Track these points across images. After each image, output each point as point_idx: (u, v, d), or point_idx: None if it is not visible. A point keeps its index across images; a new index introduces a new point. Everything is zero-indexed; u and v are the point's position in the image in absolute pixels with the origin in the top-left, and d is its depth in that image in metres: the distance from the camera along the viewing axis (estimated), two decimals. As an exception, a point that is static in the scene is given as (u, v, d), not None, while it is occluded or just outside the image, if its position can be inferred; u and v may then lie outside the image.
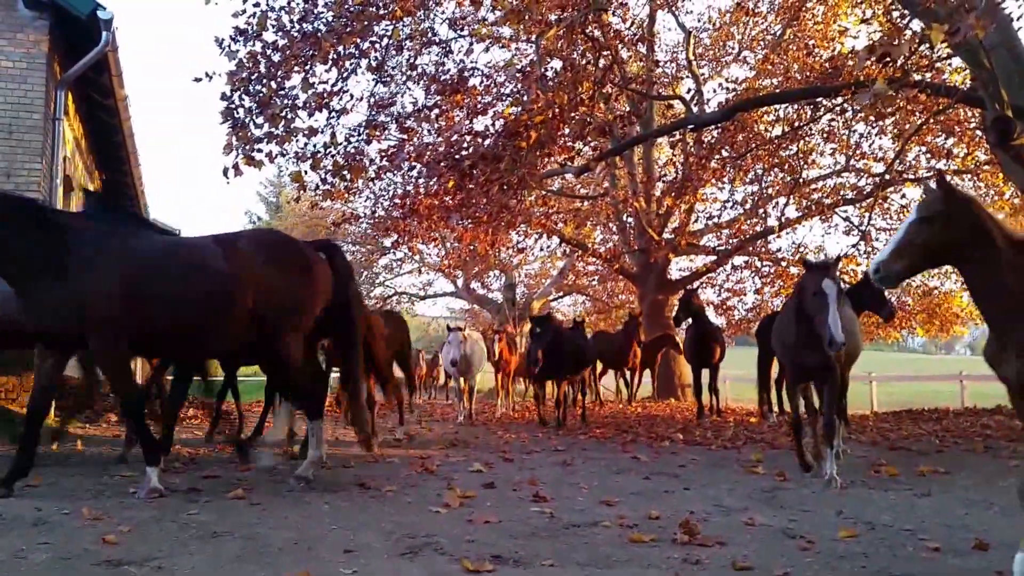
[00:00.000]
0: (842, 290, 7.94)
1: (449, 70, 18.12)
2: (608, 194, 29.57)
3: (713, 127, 20.60)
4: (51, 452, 9.36)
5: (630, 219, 30.23)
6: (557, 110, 15.16)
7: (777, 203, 25.94)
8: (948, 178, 5.15)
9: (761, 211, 27.33)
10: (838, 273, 7.86)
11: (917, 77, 14.10)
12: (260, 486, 7.70)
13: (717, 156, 23.23)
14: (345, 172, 16.19)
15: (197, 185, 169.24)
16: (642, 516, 6.57)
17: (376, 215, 29.56)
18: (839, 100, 16.55)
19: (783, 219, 24.93)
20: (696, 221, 29.49)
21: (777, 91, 20.91)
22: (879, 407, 23.72)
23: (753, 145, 22.28)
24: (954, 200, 4.99)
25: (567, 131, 16.48)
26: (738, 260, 30.56)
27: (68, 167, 13.58)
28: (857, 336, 9.31)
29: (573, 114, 15.89)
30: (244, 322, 7.56)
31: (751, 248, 28.80)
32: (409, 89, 18.02)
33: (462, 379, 17.91)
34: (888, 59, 11.22)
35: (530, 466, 9.76)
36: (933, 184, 5.11)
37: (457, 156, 16.08)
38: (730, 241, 28.70)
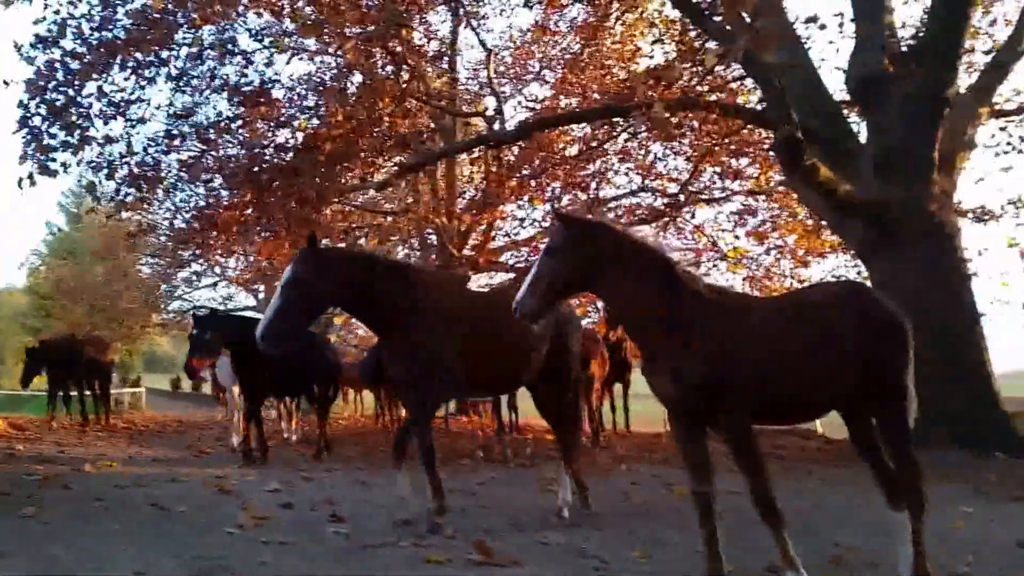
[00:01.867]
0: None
1: (251, 81, 17.83)
2: (410, 210, 29.50)
3: (513, 145, 20.82)
4: None
5: (432, 235, 30.23)
6: (356, 124, 15.13)
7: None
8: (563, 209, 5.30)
9: (558, 230, 27.65)
10: (305, 262, 6.68)
11: (712, 98, 14.54)
12: (52, 505, 7.41)
13: (516, 174, 23.45)
14: (141, 183, 15.75)
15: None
16: (438, 536, 6.60)
17: (175, 227, 28.69)
18: (631, 120, 16.94)
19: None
20: (496, 238, 29.67)
21: (575, 110, 21.19)
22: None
23: (549, 164, 22.55)
24: (572, 229, 5.16)
25: (367, 145, 16.45)
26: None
27: None
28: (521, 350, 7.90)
29: (375, 128, 15.86)
30: None
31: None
32: (210, 100, 17.65)
33: (236, 389, 14.67)
34: (665, 83, 11.51)
35: (329, 485, 9.67)
36: (553, 218, 5.26)
37: (255, 169, 15.86)
38: (529, 258, 28.93)
